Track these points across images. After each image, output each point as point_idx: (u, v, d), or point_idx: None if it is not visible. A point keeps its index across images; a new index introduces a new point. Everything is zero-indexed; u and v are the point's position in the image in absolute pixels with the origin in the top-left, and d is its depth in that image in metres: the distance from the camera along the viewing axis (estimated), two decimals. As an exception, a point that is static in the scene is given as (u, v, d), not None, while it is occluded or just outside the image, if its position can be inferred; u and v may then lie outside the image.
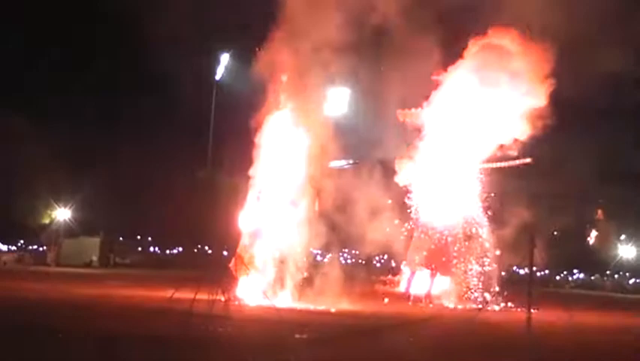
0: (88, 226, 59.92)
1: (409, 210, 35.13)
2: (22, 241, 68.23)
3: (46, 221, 65.10)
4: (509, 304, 31.52)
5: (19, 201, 60.69)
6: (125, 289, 31.68)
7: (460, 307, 32.95)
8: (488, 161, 34.79)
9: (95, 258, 57.92)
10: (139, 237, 72.11)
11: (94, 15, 57.66)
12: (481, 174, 34.84)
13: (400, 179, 34.76)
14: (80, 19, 60.56)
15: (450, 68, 34.58)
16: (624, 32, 31.99)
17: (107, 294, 28.90)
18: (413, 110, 35.09)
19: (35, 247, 65.46)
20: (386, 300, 34.10)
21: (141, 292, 30.51)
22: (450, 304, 33.42)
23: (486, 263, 34.32)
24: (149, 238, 73.58)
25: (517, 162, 33.58)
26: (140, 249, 71.79)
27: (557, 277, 67.35)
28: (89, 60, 58.63)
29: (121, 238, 65.68)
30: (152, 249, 74.78)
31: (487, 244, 34.31)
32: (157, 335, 18.58)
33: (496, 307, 31.67)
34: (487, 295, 32.96)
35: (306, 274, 31.56)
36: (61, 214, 62.48)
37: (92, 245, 59.10)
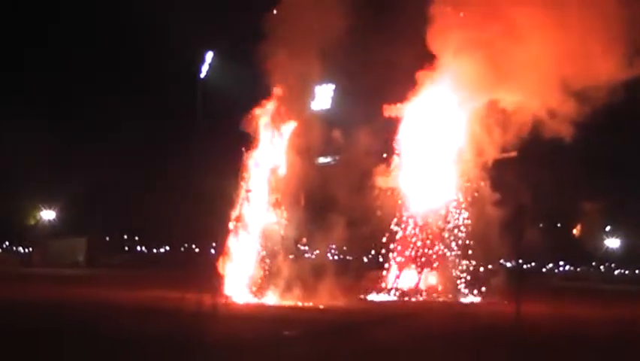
0: (74, 226, 59.83)
1: (393, 205, 35.10)
2: (7, 243, 68.03)
3: (32, 222, 64.91)
4: (496, 297, 31.55)
5: (4, 202, 60.48)
6: (113, 289, 31.59)
7: (447, 300, 33.00)
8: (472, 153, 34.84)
9: (81, 258, 57.82)
10: (126, 236, 71.93)
11: (77, 12, 57.47)
12: (466, 167, 34.87)
13: (385, 175, 34.76)
14: (61, 17, 60.37)
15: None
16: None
17: (94, 294, 28.82)
18: (399, 104, 35.12)
19: (21, 248, 65.35)
20: (372, 295, 34.08)
21: (129, 292, 30.44)
22: (437, 298, 33.46)
23: (472, 257, 34.37)
24: (136, 238, 73.42)
25: (503, 154, 33.59)
26: (126, 248, 71.65)
27: (544, 269, 67.57)
28: (72, 59, 58.44)
29: (107, 238, 65.60)
30: (139, 248, 74.62)
31: (470, 239, 34.36)
32: (145, 334, 18.56)
33: (484, 300, 31.74)
34: (474, 288, 33.00)
35: (293, 271, 31.58)
36: (47, 215, 62.37)
37: (79, 245, 59.00)
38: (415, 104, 35.06)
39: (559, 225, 61.52)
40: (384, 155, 35.24)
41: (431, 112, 34.97)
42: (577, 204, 63.55)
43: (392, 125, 35.42)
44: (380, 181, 34.68)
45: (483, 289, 31.37)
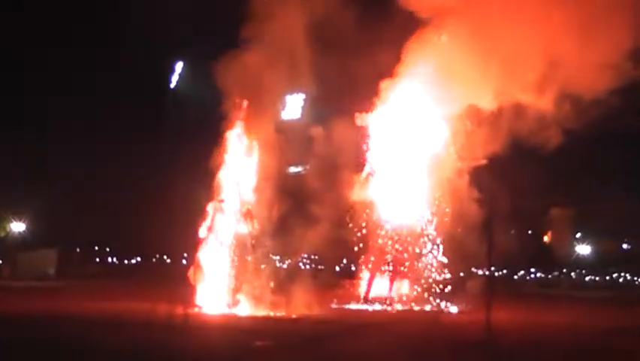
0: (44, 238, 59.33)
1: (366, 214, 35.12)
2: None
3: (1, 234, 64.43)
4: (468, 305, 31.61)
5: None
6: (84, 300, 31.41)
7: (419, 309, 33.03)
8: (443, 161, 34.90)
9: (52, 270, 57.38)
10: (97, 248, 71.54)
11: (51, 20, 57.08)
12: (437, 175, 34.92)
13: (356, 183, 34.78)
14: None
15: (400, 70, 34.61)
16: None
17: (65, 306, 28.65)
18: (370, 113, 35.17)
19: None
20: (344, 305, 34.06)
21: (100, 303, 30.27)
22: (409, 306, 33.48)
23: (444, 265, 34.43)
24: (107, 249, 73.05)
25: (473, 162, 33.67)
26: (97, 260, 71.24)
27: (515, 277, 67.76)
28: (42, 69, 58.01)
29: (78, 250, 65.17)
30: (110, 259, 74.22)
31: (442, 247, 34.41)
32: (116, 346, 18.49)
33: (455, 309, 31.78)
34: (446, 297, 33.05)
35: (265, 281, 31.55)
36: (16, 227, 61.91)
37: (49, 257, 58.51)
38: (386, 113, 35.10)
39: (530, 232, 61.75)
40: (357, 164, 35.25)
41: (402, 120, 35.02)
42: (548, 211, 63.84)
43: (364, 134, 35.43)
44: (352, 190, 34.69)
45: (455, 297, 31.37)
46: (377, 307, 33.52)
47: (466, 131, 34.01)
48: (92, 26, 54.91)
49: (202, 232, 31.46)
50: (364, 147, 35.44)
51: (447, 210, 34.40)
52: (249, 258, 31.61)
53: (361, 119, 35.16)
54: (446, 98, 33.84)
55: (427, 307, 33.16)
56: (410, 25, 33.73)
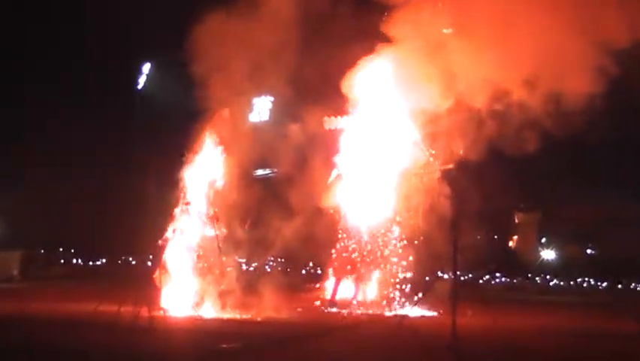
0: (7, 240, 58.87)
1: (334, 217, 35.14)
2: None
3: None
4: (433, 308, 31.69)
5: None
6: (48, 302, 31.23)
7: (385, 313, 33.08)
8: (410, 166, 34.97)
9: (15, 272, 56.96)
10: (61, 249, 71.06)
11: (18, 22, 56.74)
12: (404, 179, 34.97)
13: (324, 186, 34.79)
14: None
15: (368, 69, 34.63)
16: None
17: (29, 308, 28.45)
18: (339, 117, 35.19)
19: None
20: (310, 307, 34.07)
21: (64, 305, 30.11)
22: (375, 310, 33.52)
23: (410, 269, 34.49)
24: (72, 250, 72.58)
25: (439, 167, 33.76)
26: (62, 261, 70.75)
27: (481, 281, 68.02)
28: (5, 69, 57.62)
29: (42, 251, 64.73)
30: (75, 261, 73.75)
31: (408, 251, 34.47)
32: (80, 348, 18.40)
33: (421, 312, 31.85)
34: (412, 300, 33.09)
35: (231, 284, 31.50)
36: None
37: (13, 259, 58.02)
38: (355, 115, 35.14)
39: (495, 237, 62.09)
40: (325, 167, 35.26)
41: (371, 124, 35.07)
42: (513, 215, 64.21)
43: (333, 137, 35.45)
44: (320, 193, 34.71)
45: (420, 301, 31.43)
46: (343, 310, 33.51)
47: (435, 134, 34.13)
48: (56, 27, 54.58)
49: (168, 234, 31.35)
50: (333, 151, 35.43)
51: (413, 214, 34.50)
52: (216, 260, 31.58)
53: (329, 122, 35.19)
54: (418, 98, 33.96)
55: (393, 311, 33.20)
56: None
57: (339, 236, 34.98)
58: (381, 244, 34.75)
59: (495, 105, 32.18)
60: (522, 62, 30.96)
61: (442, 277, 31.59)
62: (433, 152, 34.34)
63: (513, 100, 31.65)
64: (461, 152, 32.99)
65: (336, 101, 34.99)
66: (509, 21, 30.81)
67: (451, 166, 31.53)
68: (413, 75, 33.74)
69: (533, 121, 31.64)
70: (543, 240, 70.96)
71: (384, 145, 34.84)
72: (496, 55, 31.56)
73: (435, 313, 31.20)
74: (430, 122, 34.05)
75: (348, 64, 33.86)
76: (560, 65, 30.55)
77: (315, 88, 33.95)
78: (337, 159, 35.17)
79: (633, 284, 69.81)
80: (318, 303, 34.62)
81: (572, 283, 73.33)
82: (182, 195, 31.84)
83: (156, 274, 29.67)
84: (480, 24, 31.62)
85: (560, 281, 74.48)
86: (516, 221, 66.13)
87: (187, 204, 31.83)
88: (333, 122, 35.23)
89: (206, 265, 31.44)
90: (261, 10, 32.15)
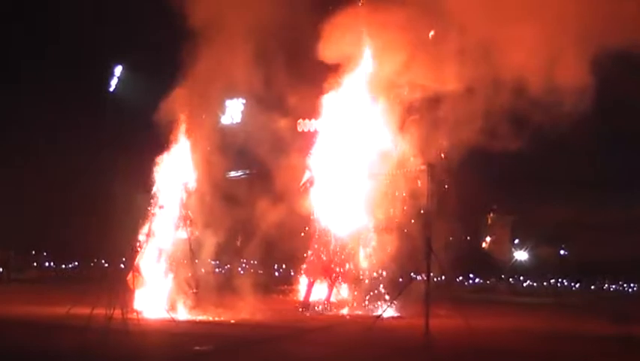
0: (-24, 243, 58.54)
1: (306, 219, 35.14)
2: None
3: None
4: (406, 310, 31.72)
5: None
6: (20, 305, 31.08)
7: (358, 314, 33.11)
8: (381, 167, 35.02)
9: (-13, 275, 56.67)
10: (34, 252, 70.74)
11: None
12: (376, 180, 35.01)
13: (297, 188, 34.79)
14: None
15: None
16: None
17: (1, 311, 28.31)
18: (313, 120, 35.20)
19: None
20: (283, 309, 34.07)
21: (37, 308, 29.97)
22: (348, 311, 33.55)
23: (383, 270, 34.54)
24: (44, 253, 72.25)
25: (411, 168, 33.82)
26: (35, 264, 70.44)
27: (454, 282, 68.11)
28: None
29: (14, 254, 64.41)
30: (47, 264, 73.42)
31: (381, 252, 34.52)
32: (52, 351, 18.34)
33: (395, 314, 31.89)
34: (385, 302, 33.13)
35: (204, 286, 31.49)
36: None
37: (-16, 262, 57.79)
38: (329, 116, 35.16)
39: (468, 238, 62.22)
40: (298, 169, 35.26)
41: (343, 125, 35.11)
42: (486, 217, 64.35)
43: (306, 139, 35.43)
44: (292, 195, 34.70)
45: (393, 302, 31.48)
46: (316, 311, 33.53)
47: (408, 134, 34.25)
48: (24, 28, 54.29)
49: (141, 237, 31.29)
50: (306, 153, 35.42)
51: (386, 215, 34.54)
52: (188, 263, 31.55)
53: (303, 125, 35.18)
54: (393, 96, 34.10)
55: (366, 312, 33.24)
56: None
57: (312, 237, 35.01)
58: (353, 245, 34.82)
59: (470, 105, 32.38)
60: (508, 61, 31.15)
61: (415, 278, 31.61)
62: (405, 152, 34.46)
63: (486, 99, 31.87)
64: (439, 153, 33.18)
65: (309, 103, 35.02)
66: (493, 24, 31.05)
67: (423, 167, 31.59)
68: (388, 71, 33.93)
69: (508, 121, 31.84)
70: (516, 241, 71.17)
71: (357, 146, 34.91)
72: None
73: (408, 315, 31.22)
74: (403, 123, 34.20)
75: (325, 65, 33.96)
76: (546, 60, 30.71)
77: (288, 90, 33.98)
78: (309, 160, 35.17)
79: (606, 285, 70.24)
80: (291, 305, 34.62)
81: (545, 284, 73.67)
82: (155, 198, 31.80)
83: (129, 276, 29.58)
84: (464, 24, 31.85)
85: (533, 282, 74.81)
86: (489, 222, 66.26)
87: (161, 207, 31.79)
88: (306, 125, 35.21)
89: (178, 267, 31.42)
90: (232, 12, 32.17)
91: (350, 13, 33.74)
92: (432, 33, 33.74)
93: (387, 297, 33.69)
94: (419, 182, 32.74)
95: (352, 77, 34.67)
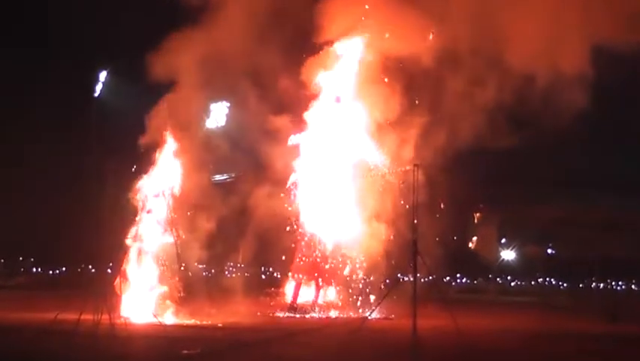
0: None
1: (293, 221, 35.12)
2: None
3: None
4: (394, 311, 31.74)
5: None
6: (9, 311, 31.04)
7: (346, 316, 33.15)
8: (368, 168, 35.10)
9: (-25, 282, 56.68)
10: (21, 258, 70.70)
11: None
12: (362, 181, 35.06)
13: (283, 191, 34.81)
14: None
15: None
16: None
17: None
18: (302, 133, 35.18)
19: None
20: (270, 312, 34.07)
21: (25, 313, 29.94)
22: (336, 313, 33.60)
23: (371, 272, 34.58)
24: (32, 259, 72.19)
25: (398, 169, 33.86)
26: (22, 270, 70.41)
27: (441, 283, 68.24)
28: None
29: (2, 260, 64.41)
30: (35, 270, 73.35)
31: (368, 253, 34.56)
32: (41, 356, 18.33)
33: (382, 315, 31.93)
34: (372, 303, 33.18)
35: (191, 290, 31.50)
36: None
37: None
38: (315, 121, 35.17)
39: (455, 238, 62.30)
40: (283, 172, 35.26)
41: (330, 127, 35.15)
42: (472, 216, 64.42)
43: (291, 139, 35.37)
44: (278, 198, 34.72)
45: (380, 303, 31.52)
46: (303, 314, 33.55)
47: (396, 135, 34.32)
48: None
49: (128, 242, 31.28)
50: (292, 156, 35.38)
51: (373, 217, 34.58)
52: (175, 267, 31.55)
53: (294, 140, 35.10)
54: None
55: (353, 314, 33.28)
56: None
57: (299, 240, 35.02)
58: (340, 247, 34.85)
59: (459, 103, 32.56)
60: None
61: (401, 279, 31.69)
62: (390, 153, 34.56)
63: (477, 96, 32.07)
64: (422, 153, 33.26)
65: (297, 106, 35.02)
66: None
67: (409, 168, 31.66)
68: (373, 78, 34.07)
69: (497, 119, 32.00)
70: (503, 240, 71.32)
71: (342, 147, 34.96)
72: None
73: (395, 316, 31.26)
74: (389, 124, 34.28)
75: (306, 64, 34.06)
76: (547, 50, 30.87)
77: (274, 91, 34.03)
78: (296, 163, 35.16)
79: (594, 284, 70.43)
80: (278, 307, 34.61)
81: (532, 283, 73.92)
82: (141, 202, 31.78)
83: (116, 281, 29.57)
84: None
85: (521, 282, 75.07)
86: (475, 222, 66.39)
87: (149, 212, 31.80)
88: (296, 139, 35.14)
89: (165, 272, 31.42)
90: (218, 17, 32.21)
91: None
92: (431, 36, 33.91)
93: (373, 299, 33.76)
94: (404, 183, 32.77)
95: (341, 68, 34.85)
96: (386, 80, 34.23)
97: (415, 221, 25.61)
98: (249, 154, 34.80)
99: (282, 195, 34.65)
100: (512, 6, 31.02)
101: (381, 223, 34.22)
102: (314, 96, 34.59)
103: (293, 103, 34.68)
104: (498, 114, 32.23)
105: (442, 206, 35.30)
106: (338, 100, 34.97)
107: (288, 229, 34.92)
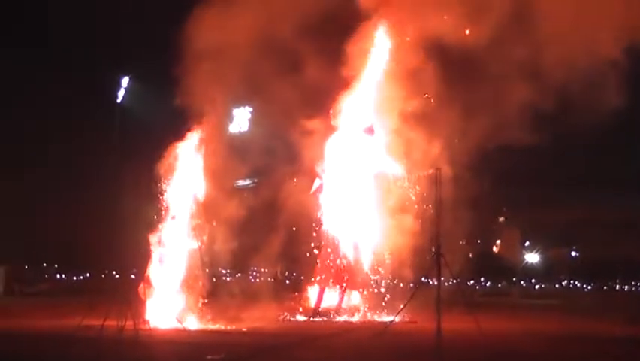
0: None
1: (316, 226, 35.13)
2: None
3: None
4: (418, 315, 31.66)
5: None
6: (33, 318, 31.14)
7: (370, 320, 33.12)
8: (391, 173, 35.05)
9: (0, 288, 56.77)
10: (45, 264, 70.94)
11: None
12: (385, 186, 35.02)
13: (306, 195, 34.81)
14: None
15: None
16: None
17: (14, 324, 28.36)
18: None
19: None
20: (294, 316, 34.07)
21: (50, 320, 30.03)
22: (360, 317, 33.56)
23: (395, 275, 34.55)
24: (56, 265, 72.46)
25: (421, 173, 33.81)
26: (46, 276, 70.63)
27: (465, 286, 68.07)
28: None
29: (27, 267, 64.57)
30: (59, 276, 73.64)
31: (392, 257, 34.51)
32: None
33: (406, 319, 31.85)
34: (397, 307, 33.11)
35: (216, 295, 31.53)
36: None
37: (-3, 275, 57.92)
38: (339, 126, 35.14)
39: (479, 241, 62.17)
40: (307, 177, 35.27)
41: (354, 133, 35.13)
42: (496, 220, 64.24)
43: (315, 144, 35.35)
44: (302, 203, 34.71)
45: (405, 307, 31.45)
46: (328, 318, 33.52)
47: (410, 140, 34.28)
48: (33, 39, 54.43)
49: (152, 247, 31.33)
50: (315, 159, 35.35)
51: (395, 221, 34.52)
52: (199, 272, 31.56)
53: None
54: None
55: (378, 318, 33.24)
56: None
57: (323, 245, 35.00)
58: (364, 251, 34.84)
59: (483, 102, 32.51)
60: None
61: (426, 282, 31.62)
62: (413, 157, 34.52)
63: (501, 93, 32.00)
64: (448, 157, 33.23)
65: (321, 111, 34.99)
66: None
67: (431, 172, 31.61)
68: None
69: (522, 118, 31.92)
70: (527, 243, 71.11)
71: (365, 153, 34.93)
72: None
73: (420, 319, 31.17)
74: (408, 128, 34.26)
75: (335, 73, 34.04)
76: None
77: (298, 97, 34.00)
78: (320, 168, 35.15)
79: (619, 286, 70.09)
80: (302, 312, 34.58)
81: (556, 286, 73.64)
82: (166, 208, 31.81)
83: (140, 287, 29.62)
84: None
85: (545, 284, 74.79)
86: (499, 225, 66.22)
87: (173, 218, 31.83)
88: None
89: (189, 277, 31.43)
90: (239, 22, 32.22)
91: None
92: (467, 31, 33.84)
93: (398, 302, 33.70)
94: (427, 187, 32.73)
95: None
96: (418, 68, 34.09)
97: (438, 225, 25.56)
98: (272, 159, 34.80)
99: (306, 199, 34.61)
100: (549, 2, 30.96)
101: (404, 230, 34.11)
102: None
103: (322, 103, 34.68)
104: (525, 112, 32.13)
105: (464, 210, 35.12)
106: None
107: (314, 234, 34.95)
